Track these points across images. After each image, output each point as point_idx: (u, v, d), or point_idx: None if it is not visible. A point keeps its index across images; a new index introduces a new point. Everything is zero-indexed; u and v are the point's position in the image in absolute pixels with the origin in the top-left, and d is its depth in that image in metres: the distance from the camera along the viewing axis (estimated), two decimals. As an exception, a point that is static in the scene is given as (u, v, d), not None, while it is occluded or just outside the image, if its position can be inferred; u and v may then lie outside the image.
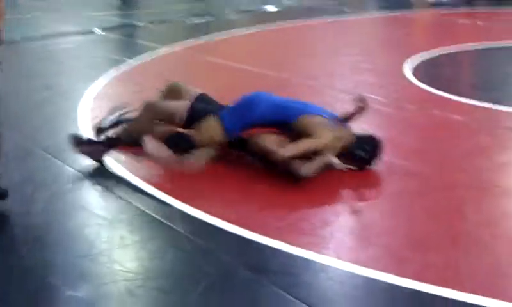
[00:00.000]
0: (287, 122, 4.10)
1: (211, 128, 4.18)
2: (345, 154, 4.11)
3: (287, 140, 4.06)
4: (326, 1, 13.43)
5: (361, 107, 4.36)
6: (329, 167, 4.02)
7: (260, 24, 10.56)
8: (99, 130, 4.52)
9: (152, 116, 4.27)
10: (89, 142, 4.35)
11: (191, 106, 4.25)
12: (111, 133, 4.44)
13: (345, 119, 4.35)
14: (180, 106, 4.26)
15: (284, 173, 3.96)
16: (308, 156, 3.96)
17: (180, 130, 4.31)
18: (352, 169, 4.09)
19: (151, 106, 4.30)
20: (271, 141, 4.07)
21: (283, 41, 9.57)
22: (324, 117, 4.13)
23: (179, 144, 4.29)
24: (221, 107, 4.33)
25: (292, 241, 3.26)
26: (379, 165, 4.11)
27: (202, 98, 4.41)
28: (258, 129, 4.19)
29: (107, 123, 4.53)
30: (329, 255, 3.14)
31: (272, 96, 4.31)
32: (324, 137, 3.99)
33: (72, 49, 8.68)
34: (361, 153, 4.09)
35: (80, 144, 4.28)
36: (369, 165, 4.15)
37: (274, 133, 4.14)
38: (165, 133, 4.32)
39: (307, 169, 3.91)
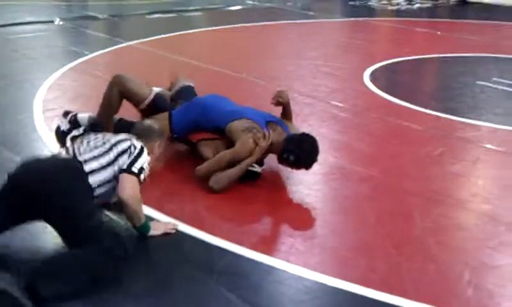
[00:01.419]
0: (222, 129, 4.10)
1: (160, 121, 4.15)
2: (279, 159, 3.99)
3: (223, 146, 4.05)
4: (290, 4, 13.47)
5: (279, 102, 4.25)
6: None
7: (223, 23, 10.54)
8: (62, 134, 4.44)
9: (118, 88, 4.25)
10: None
11: (154, 97, 4.28)
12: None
13: (284, 117, 4.30)
14: (146, 92, 4.29)
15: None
16: (229, 165, 3.90)
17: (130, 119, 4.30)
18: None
19: (119, 79, 4.29)
20: (207, 148, 4.08)
21: (245, 40, 9.58)
22: (251, 119, 4.04)
23: (127, 131, 4.24)
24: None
25: (241, 242, 3.26)
26: (331, 170, 4.14)
27: (187, 91, 4.47)
28: (203, 133, 4.21)
29: (65, 127, 4.43)
30: (278, 257, 3.15)
31: (222, 103, 4.28)
32: (240, 146, 3.90)
33: (31, 39, 8.50)
34: (289, 157, 3.88)
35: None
36: (301, 167, 3.96)
37: (218, 138, 4.15)
38: (116, 119, 4.30)
39: (213, 181, 3.84)
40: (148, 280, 2.94)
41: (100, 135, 3.36)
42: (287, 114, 4.35)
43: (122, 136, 3.34)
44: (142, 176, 3.22)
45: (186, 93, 4.52)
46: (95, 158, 3.15)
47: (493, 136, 5.31)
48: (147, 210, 3.47)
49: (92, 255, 2.80)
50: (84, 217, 2.90)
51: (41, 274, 2.69)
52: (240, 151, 3.90)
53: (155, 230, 3.25)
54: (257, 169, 4.07)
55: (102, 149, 3.21)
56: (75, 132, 3.49)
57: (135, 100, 4.30)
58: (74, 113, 4.39)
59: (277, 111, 4.37)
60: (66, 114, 4.40)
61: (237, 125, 4.02)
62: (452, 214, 3.79)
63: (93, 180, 3.09)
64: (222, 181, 3.85)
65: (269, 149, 3.99)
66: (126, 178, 3.15)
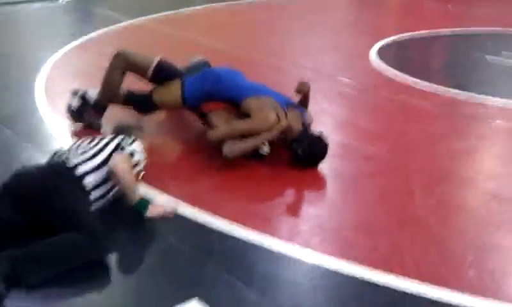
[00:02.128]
0: (237, 102, 4.04)
1: (171, 91, 4.16)
2: (286, 143, 3.97)
3: (236, 118, 3.99)
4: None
5: (304, 94, 4.18)
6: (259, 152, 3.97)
7: (229, 0, 10.42)
8: (73, 113, 4.42)
9: (121, 64, 4.21)
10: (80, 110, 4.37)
11: (159, 62, 4.21)
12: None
13: (301, 104, 4.24)
14: (150, 59, 4.23)
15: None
16: (243, 137, 3.86)
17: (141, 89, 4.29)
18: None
19: (121, 55, 4.25)
20: (219, 118, 4.02)
21: (251, 18, 9.47)
22: (273, 98, 4.00)
23: (137, 103, 4.25)
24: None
25: (242, 223, 3.21)
26: (336, 147, 4.06)
27: (202, 64, 4.46)
28: (216, 104, 4.14)
29: (75, 106, 4.40)
30: (279, 238, 3.10)
31: (238, 77, 4.21)
32: (261, 119, 3.84)
33: (34, 17, 8.47)
34: (298, 149, 3.87)
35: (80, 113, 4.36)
36: (301, 163, 3.90)
37: (230, 111, 4.08)
38: (126, 91, 4.28)
39: (228, 149, 3.80)
40: (145, 262, 2.91)
41: (88, 139, 3.34)
42: (304, 103, 4.28)
43: (111, 136, 3.37)
44: (134, 159, 3.20)
45: (202, 65, 4.47)
46: (87, 161, 3.12)
47: (503, 112, 5.22)
48: (146, 189, 3.44)
49: (75, 238, 2.75)
50: (76, 216, 2.85)
51: (20, 260, 2.63)
52: (261, 125, 3.85)
53: (153, 213, 3.22)
54: (266, 149, 4.02)
55: (93, 150, 3.19)
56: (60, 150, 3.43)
57: (140, 71, 4.25)
58: (84, 91, 4.37)
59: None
60: (76, 92, 4.40)
61: (257, 101, 3.96)
62: (456, 192, 3.73)
63: (88, 181, 3.06)
64: (236, 151, 3.82)
65: (284, 132, 3.94)
66: (117, 155, 3.17)
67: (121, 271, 2.86)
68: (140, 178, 3.39)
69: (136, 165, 3.26)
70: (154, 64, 4.20)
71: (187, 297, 2.57)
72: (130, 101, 4.27)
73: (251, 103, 3.96)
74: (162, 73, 4.22)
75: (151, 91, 4.22)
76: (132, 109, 4.29)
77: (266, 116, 3.85)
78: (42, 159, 3.80)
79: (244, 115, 3.96)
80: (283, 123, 3.88)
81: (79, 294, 2.65)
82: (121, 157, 3.17)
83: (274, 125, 3.85)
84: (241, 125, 3.90)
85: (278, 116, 3.87)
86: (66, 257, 2.72)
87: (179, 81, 4.16)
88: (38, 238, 2.73)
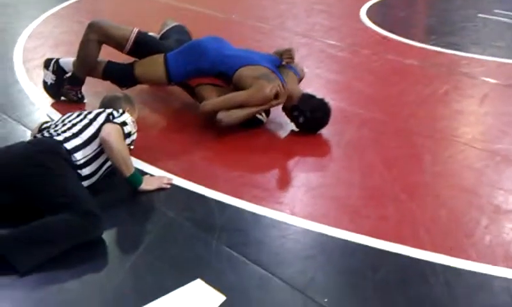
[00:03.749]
0: (228, 75, 3.81)
1: (155, 68, 3.89)
2: (286, 110, 3.83)
3: (227, 93, 3.78)
4: None
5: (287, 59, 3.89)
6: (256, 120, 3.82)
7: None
8: (49, 89, 4.17)
9: (96, 36, 3.90)
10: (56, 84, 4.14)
11: (137, 35, 3.92)
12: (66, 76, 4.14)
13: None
14: (126, 31, 3.93)
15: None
16: (238, 108, 3.68)
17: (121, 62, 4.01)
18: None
19: (95, 25, 3.92)
20: (210, 92, 3.81)
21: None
22: (267, 67, 3.78)
23: (118, 78, 3.98)
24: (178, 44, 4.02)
25: (242, 195, 3.05)
26: (332, 113, 3.87)
27: (176, 30, 4.24)
28: (203, 78, 3.90)
29: (50, 82, 4.14)
30: (282, 210, 2.94)
31: (223, 46, 3.96)
32: (258, 89, 3.63)
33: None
34: (299, 117, 3.74)
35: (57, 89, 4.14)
36: (303, 129, 3.79)
37: (219, 85, 3.87)
38: (104, 63, 3.99)
39: (223, 114, 3.62)
40: (144, 241, 2.72)
41: (75, 113, 3.15)
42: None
43: (100, 110, 3.16)
44: (126, 129, 3.02)
45: (178, 30, 4.25)
46: (75, 135, 2.92)
47: (499, 71, 5.08)
48: (138, 164, 3.25)
49: (68, 218, 2.55)
50: (67, 194, 2.65)
51: (8, 242, 2.45)
52: (257, 97, 3.64)
53: (148, 185, 3.04)
54: (263, 117, 3.83)
55: (81, 124, 3.00)
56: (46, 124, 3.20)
57: (117, 44, 3.93)
58: (55, 59, 4.12)
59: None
60: (47, 64, 4.13)
61: (250, 71, 3.73)
62: (462, 155, 3.58)
63: (78, 156, 2.87)
64: (232, 117, 3.63)
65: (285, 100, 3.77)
66: (108, 125, 2.97)
67: (119, 251, 2.69)
68: (132, 148, 3.20)
69: (128, 136, 3.06)
70: (132, 37, 3.89)
71: (189, 278, 2.41)
72: (109, 76, 3.98)
73: (243, 74, 3.74)
74: (141, 47, 3.92)
75: (132, 66, 3.93)
76: (112, 83, 4.03)
77: (262, 86, 3.64)
78: (25, 132, 3.62)
79: (237, 88, 3.75)
80: (281, 99, 3.71)
81: (75, 278, 2.45)
82: (113, 127, 2.97)
83: (271, 95, 3.65)
84: (237, 96, 3.68)
85: (279, 86, 3.67)
86: (59, 238, 2.53)
87: (161, 57, 3.88)
88: (28, 220, 2.54)
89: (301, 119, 3.74)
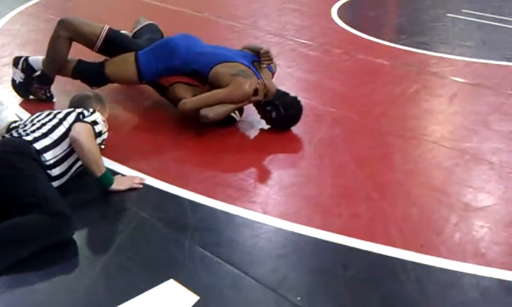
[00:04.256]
0: (203, 74, 3.80)
1: (126, 68, 3.85)
2: (258, 106, 3.84)
3: (201, 91, 3.77)
4: None
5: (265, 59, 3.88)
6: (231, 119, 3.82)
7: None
8: (18, 88, 4.10)
9: (66, 33, 3.84)
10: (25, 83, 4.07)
11: (108, 32, 3.86)
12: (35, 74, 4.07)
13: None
14: (97, 29, 3.86)
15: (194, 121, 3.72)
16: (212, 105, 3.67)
17: (91, 61, 3.96)
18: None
19: (65, 22, 3.85)
20: (185, 91, 3.80)
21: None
22: (243, 63, 3.79)
23: (88, 77, 3.92)
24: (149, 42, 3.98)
25: (214, 194, 3.05)
26: (303, 112, 3.89)
27: (148, 28, 4.21)
28: (176, 77, 3.88)
29: (19, 80, 4.07)
30: (254, 209, 2.95)
31: (195, 43, 3.95)
32: (237, 86, 3.63)
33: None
34: (272, 112, 3.74)
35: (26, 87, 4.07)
36: (272, 125, 3.81)
37: (193, 85, 3.85)
38: (74, 62, 3.93)
39: (207, 111, 3.59)
40: (116, 241, 2.70)
41: (45, 112, 3.10)
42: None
43: (70, 109, 3.13)
44: (97, 129, 3.00)
45: (150, 29, 4.22)
46: (44, 135, 2.89)
47: (468, 70, 5.15)
48: (109, 164, 3.22)
49: (37, 219, 2.52)
50: (37, 194, 2.61)
51: None
52: (237, 94, 3.64)
53: (120, 185, 3.01)
54: (237, 115, 3.84)
55: (51, 124, 2.96)
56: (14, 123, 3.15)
57: (87, 42, 3.87)
58: (24, 58, 4.05)
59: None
60: (16, 62, 4.07)
61: (226, 69, 3.72)
62: (432, 154, 3.63)
63: (48, 156, 2.83)
64: (217, 112, 3.61)
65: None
66: (79, 124, 2.94)
67: (90, 252, 2.66)
68: (102, 148, 3.17)
69: (99, 135, 3.03)
70: (103, 35, 3.84)
71: (162, 278, 2.40)
72: (79, 75, 3.92)
73: (220, 71, 3.73)
74: (112, 45, 3.88)
75: (103, 65, 3.88)
76: (83, 82, 3.98)
77: (241, 83, 3.64)
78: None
79: (214, 86, 3.73)
80: (260, 96, 3.73)
81: (45, 279, 2.43)
82: (83, 126, 2.93)
83: (250, 92, 3.66)
84: (217, 93, 3.66)
85: (258, 83, 3.69)
86: (29, 239, 2.49)
87: (132, 55, 3.84)
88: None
89: (273, 114, 3.74)
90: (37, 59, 4.04)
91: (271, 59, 3.81)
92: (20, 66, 4.03)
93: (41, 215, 2.52)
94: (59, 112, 3.07)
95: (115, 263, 2.53)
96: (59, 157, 2.88)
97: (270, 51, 3.82)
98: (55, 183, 2.86)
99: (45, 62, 3.98)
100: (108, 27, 3.90)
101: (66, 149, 2.91)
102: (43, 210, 2.54)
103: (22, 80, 4.05)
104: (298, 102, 3.80)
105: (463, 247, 2.70)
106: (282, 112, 3.72)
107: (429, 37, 6.16)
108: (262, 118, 3.86)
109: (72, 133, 2.89)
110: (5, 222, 2.49)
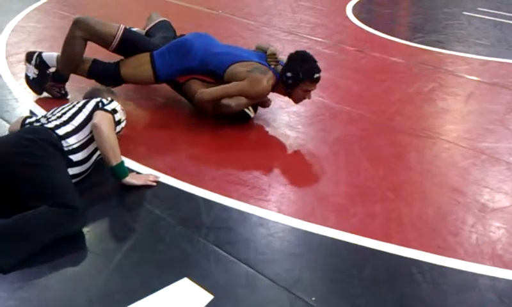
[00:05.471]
0: (219, 74, 3.78)
1: (142, 68, 3.85)
2: (280, 89, 3.79)
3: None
4: None
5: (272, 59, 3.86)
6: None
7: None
8: (32, 84, 4.11)
9: (81, 33, 3.83)
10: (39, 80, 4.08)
11: (124, 32, 3.86)
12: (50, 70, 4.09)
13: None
14: (112, 29, 3.86)
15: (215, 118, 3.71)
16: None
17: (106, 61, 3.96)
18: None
19: (80, 22, 3.85)
20: (200, 85, 3.79)
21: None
22: (259, 62, 3.77)
23: (103, 78, 3.93)
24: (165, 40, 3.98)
25: (229, 193, 3.03)
26: (319, 110, 3.86)
27: (161, 26, 4.18)
28: (192, 76, 3.87)
29: (33, 76, 4.08)
30: (269, 208, 2.93)
31: (210, 43, 3.94)
32: (254, 81, 3.61)
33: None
34: (285, 74, 3.64)
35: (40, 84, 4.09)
36: (306, 86, 3.69)
37: (208, 81, 3.84)
38: (89, 62, 3.94)
39: (230, 101, 3.62)
40: (129, 237, 2.69)
41: (65, 104, 3.15)
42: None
43: (87, 99, 3.17)
44: (116, 117, 3.04)
45: (163, 26, 4.20)
46: (65, 122, 2.94)
47: (484, 69, 5.10)
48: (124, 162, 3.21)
49: (49, 211, 2.52)
50: (51, 185, 2.62)
51: None
52: (256, 90, 3.63)
53: (134, 179, 3.01)
54: (251, 112, 3.82)
55: (71, 112, 3.01)
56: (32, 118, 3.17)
57: (103, 42, 3.87)
58: (38, 53, 4.06)
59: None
60: (29, 57, 4.07)
61: (241, 68, 3.72)
62: (448, 153, 3.59)
63: (71, 141, 2.87)
64: (240, 102, 3.63)
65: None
66: (100, 113, 2.98)
67: (105, 250, 2.63)
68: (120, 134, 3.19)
69: (118, 123, 3.06)
70: (119, 35, 3.83)
71: (176, 277, 2.39)
72: (94, 76, 3.93)
73: (236, 70, 3.72)
74: (127, 45, 3.87)
75: (118, 65, 3.89)
76: (97, 82, 3.98)
77: (258, 79, 3.63)
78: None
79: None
80: (272, 79, 3.71)
81: (60, 276, 2.42)
82: (105, 115, 2.97)
83: (268, 86, 3.66)
84: (235, 85, 3.66)
85: (272, 84, 3.69)
86: (39, 233, 2.48)
87: (147, 56, 3.84)
88: (7, 213, 2.51)
89: (289, 74, 3.63)
90: (51, 55, 4.05)
91: (276, 61, 3.79)
92: (33, 61, 4.04)
93: (50, 208, 2.53)
94: (78, 102, 3.12)
95: (129, 261, 2.52)
96: (83, 141, 2.93)
97: (277, 52, 3.81)
98: (76, 169, 2.89)
99: (60, 61, 3.98)
100: (124, 26, 3.89)
101: (88, 134, 2.97)
102: (53, 201, 2.54)
103: (35, 76, 4.06)
104: (305, 52, 3.72)
105: (479, 249, 2.67)
106: (294, 67, 3.63)
107: (444, 35, 6.11)
108: (291, 96, 3.77)
109: (94, 120, 2.92)
110: (15, 217, 2.49)
